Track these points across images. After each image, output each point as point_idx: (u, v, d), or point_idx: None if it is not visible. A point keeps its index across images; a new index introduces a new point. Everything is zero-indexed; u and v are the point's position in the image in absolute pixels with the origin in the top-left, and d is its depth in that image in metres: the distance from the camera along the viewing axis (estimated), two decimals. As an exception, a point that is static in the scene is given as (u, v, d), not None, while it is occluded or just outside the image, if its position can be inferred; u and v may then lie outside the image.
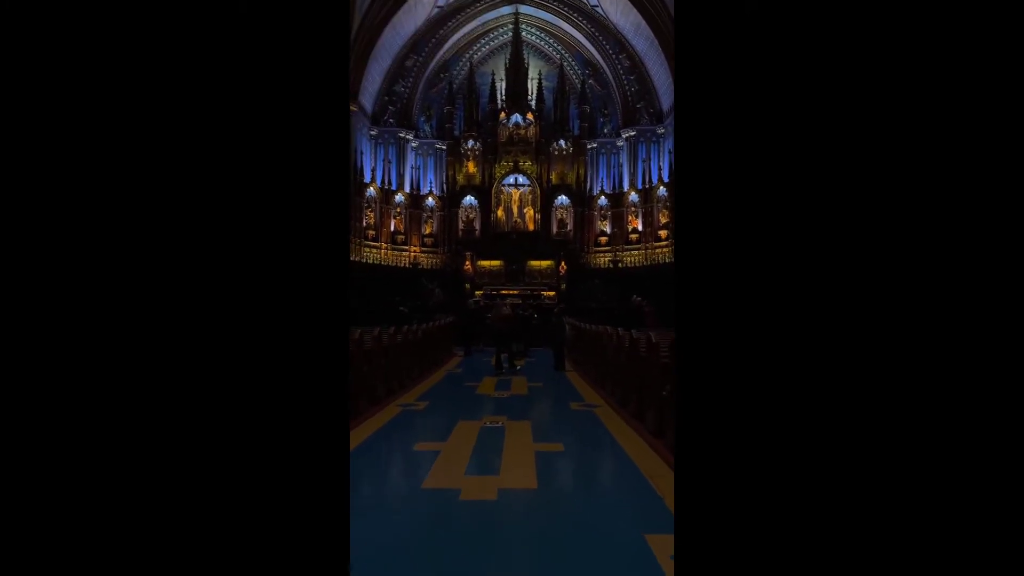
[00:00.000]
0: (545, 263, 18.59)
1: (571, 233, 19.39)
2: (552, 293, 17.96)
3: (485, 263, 18.64)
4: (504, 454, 4.59)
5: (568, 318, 12.12)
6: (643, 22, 17.50)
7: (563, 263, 18.39)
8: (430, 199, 19.55)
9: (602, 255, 19.56)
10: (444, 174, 19.59)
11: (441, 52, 19.73)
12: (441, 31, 19.13)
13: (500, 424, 5.71)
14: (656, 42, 17.58)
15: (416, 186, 19.46)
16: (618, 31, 18.99)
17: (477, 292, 17.46)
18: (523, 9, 19.43)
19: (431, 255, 19.40)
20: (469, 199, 19.34)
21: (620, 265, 18.83)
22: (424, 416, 6.26)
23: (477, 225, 19.31)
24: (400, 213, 19.16)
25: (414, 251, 19.22)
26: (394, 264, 18.59)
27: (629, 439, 5.05)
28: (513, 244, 18.66)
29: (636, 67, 19.35)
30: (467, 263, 18.43)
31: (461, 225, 19.36)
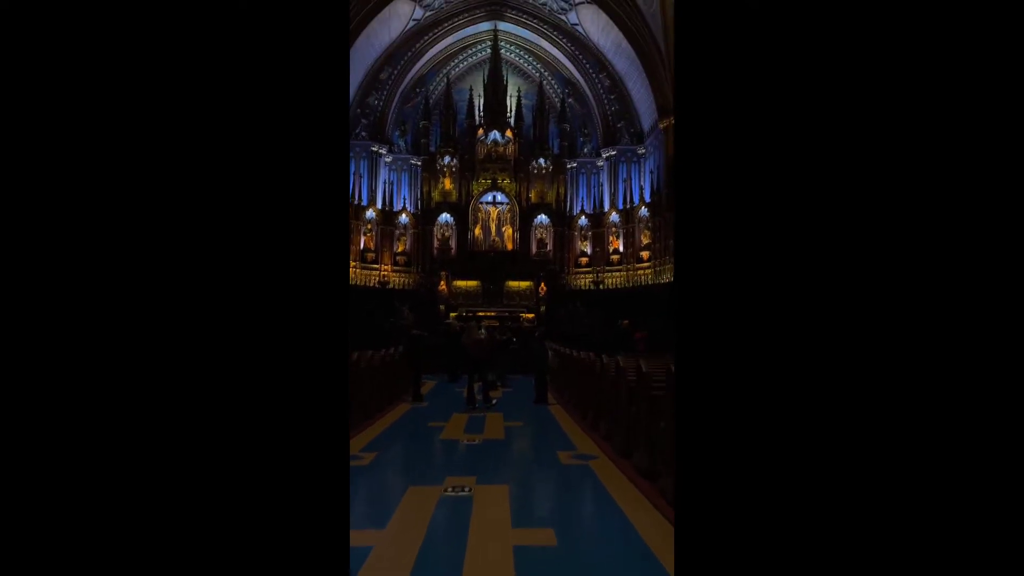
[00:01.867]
0: (524, 284, 17.06)
1: (551, 253, 17.98)
2: (531, 315, 16.40)
3: (461, 283, 17.01)
4: (468, 553, 2.92)
5: (551, 342, 10.51)
6: (624, 41, 16.54)
7: (543, 284, 16.89)
8: (403, 216, 17.94)
9: (583, 276, 18.17)
10: (419, 190, 18.06)
11: (417, 66, 18.44)
12: (417, 44, 17.87)
13: (466, 491, 4.03)
14: (637, 61, 16.61)
15: (389, 202, 17.86)
16: (598, 50, 18.04)
17: (452, 314, 15.77)
18: (502, 26, 18.37)
19: (403, 274, 17.70)
20: (445, 216, 17.80)
21: (602, 287, 17.45)
22: (365, 478, 4.50)
23: (453, 243, 17.73)
24: (371, 230, 17.47)
25: (385, 270, 17.48)
26: (363, 284, 16.78)
27: (645, 515, 3.43)
28: (491, 263, 17.12)
29: (616, 86, 18.38)
30: (442, 283, 16.76)
31: (436, 243, 17.76)
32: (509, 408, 8.03)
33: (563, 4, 17.23)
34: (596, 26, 17.19)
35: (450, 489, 4.07)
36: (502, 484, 4.24)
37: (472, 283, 16.97)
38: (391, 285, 17.05)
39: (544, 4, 17.50)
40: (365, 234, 17.36)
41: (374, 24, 16.10)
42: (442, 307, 16.25)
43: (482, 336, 8.42)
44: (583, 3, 16.61)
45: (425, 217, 17.75)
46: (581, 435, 6.17)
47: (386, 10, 16.03)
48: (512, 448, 5.76)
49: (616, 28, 16.38)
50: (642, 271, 17.33)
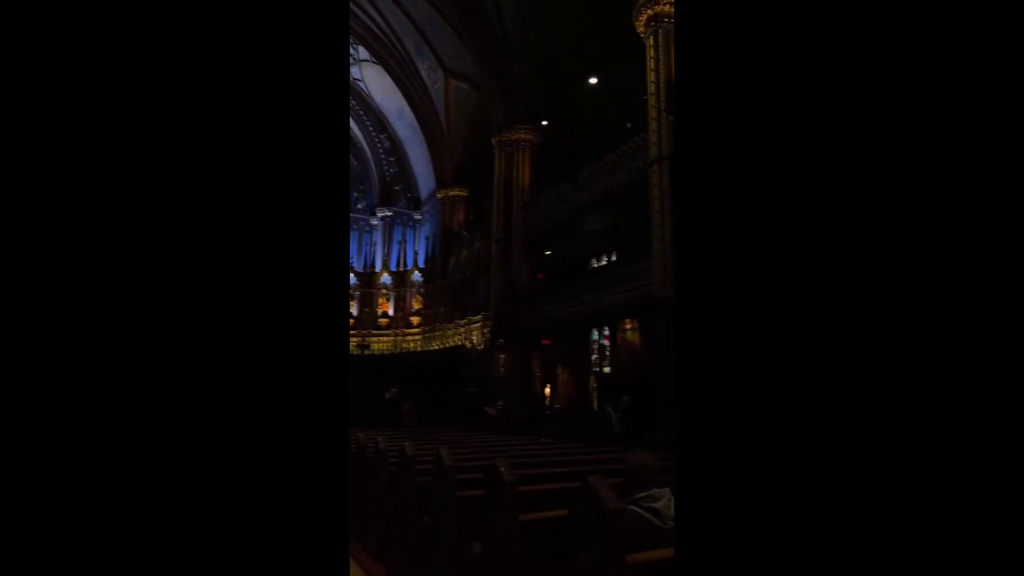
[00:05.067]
0: (272, 346, 13.73)
1: (310, 312, 15.25)
2: (278, 384, 13.11)
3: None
4: None
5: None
6: (407, 107, 16.28)
7: (297, 347, 13.89)
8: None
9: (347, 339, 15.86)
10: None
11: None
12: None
13: None
14: (419, 130, 16.46)
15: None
16: (381, 111, 17.36)
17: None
18: (275, 58, 16.06)
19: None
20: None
21: (367, 352, 15.43)
22: None
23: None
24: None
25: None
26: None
27: None
28: (228, 319, 13.33)
29: (396, 150, 17.83)
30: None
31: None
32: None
33: (347, 56, 16.18)
34: (380, 87, 16.55)
35: None
36: None
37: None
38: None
39: (326, 50, 16.11)
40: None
41: None
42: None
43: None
44: (368, 60, 15.85)
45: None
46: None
47: None
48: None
49: (400, 94, 16.03)
50: (411, 337, 16.13)
